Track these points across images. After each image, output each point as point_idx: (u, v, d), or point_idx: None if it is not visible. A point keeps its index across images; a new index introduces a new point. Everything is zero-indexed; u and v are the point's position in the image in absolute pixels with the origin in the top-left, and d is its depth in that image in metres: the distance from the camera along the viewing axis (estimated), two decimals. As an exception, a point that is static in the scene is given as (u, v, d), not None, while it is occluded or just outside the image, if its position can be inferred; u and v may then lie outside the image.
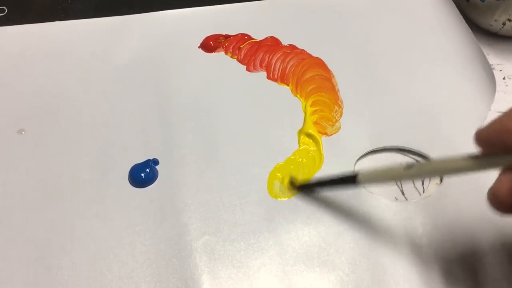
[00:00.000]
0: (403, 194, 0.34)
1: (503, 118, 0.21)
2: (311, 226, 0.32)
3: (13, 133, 0.35)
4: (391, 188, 0.34)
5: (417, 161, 0.35)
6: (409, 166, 0.26)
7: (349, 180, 0.29)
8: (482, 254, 0.31)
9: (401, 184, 0.34)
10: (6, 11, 0.42)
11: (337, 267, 0.31)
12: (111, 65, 0.39)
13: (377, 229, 0.32)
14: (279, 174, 0.35)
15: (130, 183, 0.34)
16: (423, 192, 0.34)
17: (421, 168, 0.26)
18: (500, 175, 0.22)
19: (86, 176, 0.34)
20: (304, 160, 0.35)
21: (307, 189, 0.34)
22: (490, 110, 0.37)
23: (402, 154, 0.36)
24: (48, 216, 0.32)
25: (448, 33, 0.42)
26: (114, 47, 0.40)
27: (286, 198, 0.33)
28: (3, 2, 0.42)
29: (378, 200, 0.33)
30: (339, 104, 0.38)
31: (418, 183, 0.34)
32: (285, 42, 0.41)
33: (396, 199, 0.34)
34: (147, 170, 0.34)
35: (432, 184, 0.34)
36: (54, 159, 0.34)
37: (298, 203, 0.33)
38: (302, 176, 0.34)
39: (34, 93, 0.37)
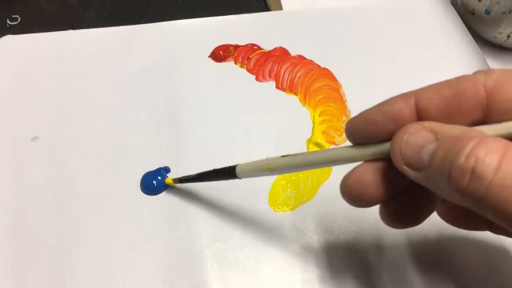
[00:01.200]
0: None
1: (370, 109, 0.22)
2: (320, 234, 0.33)
3: (27, 140, 0.36)
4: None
5: None
6: (283, 156, 0.26)
7: (229, 171, 0.29)
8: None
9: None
10: (19, 20, 0.43)
11: (350, 274, 0.31)
12: (122, 73, 0.39)
13: (383, 240, 0.33)
14: (283, 182, 0.35)
15: (142, 191, 0.34)
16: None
17: (293, 158, 0.25)
18: (357, 166, 0.22)
19: (98, 183, 0.34)
20: (313, 169, 0.36)
21: (188, 181, 0.34)
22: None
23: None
24: (61, 222, 0.33)
25: (453, 45, 0.42)
26: (126, 55, 0.40)
27: (286, 211, 0.34)
28: (16, 11, 0.43)
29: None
30: (347, 114, 0.38)
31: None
32: (293, 52, 0.42)
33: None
34: (159, 177, 0.35)
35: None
36: (67, 166, 0.35)
37: (308, 211, 0.34)
38: (310, 185, 0.35)
39: (47, 101, 0.38)
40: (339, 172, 0.35)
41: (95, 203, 0.34)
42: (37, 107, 0.37)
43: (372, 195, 0.21)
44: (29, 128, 0.36)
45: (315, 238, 0.33)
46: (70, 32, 0.41)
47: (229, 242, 0.32)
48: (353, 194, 0.22)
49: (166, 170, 0.35)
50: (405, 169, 0.19)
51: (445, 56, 0.42)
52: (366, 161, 0.22)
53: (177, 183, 0.34)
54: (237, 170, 0.29)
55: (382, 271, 0.31)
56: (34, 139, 0.36)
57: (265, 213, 0.34)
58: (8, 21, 0.42)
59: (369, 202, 0.22)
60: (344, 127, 0.37)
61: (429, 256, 0.32)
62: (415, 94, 0.21)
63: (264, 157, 0.27)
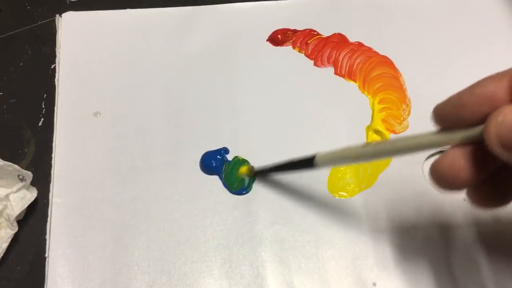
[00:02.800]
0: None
1: (461, 93, 0.21)
2: (381, 221, 0.33)
3: (90, 115, 0.36)
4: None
5: None
6: (366, 144, 0.25)
7: (307, 162, 0.29)
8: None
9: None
10: (79, -3, 0.43)
11: (406, 263, 0.31)
12: (182, 53, 0.39)
13: (446, 228, 0.32)
14: (342, 168, 0.35)
15: (201, 170, 0.34)
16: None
17: (378, 145, 0.25)
18: (448, 150, 0.22)
19: (159, 160, 0.35)
20: (372, 156, 0.35)
21: (264, 174, 0.34)
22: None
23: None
24: (123, 196, 0.33)
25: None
26: (185, 36, 0.40)
27: (345, 197, 0.34)
28: (76, -12, 0.43)
29: (446, 199, 0.33)
30: (406, 103, 0.38)
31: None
32: (351, 39, 0.41)
33: (465, 200, 0.34)
34: (218, 157, 0.35)
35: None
36: (128, 142, 0.35)
37: (368, 199, 0.33)
38: (370, 172, 0.35)
39: (109, 77, 0.38)
40: (399, 160, 0.35)
41: (155, 179, 0.34)
42: (99, 83, 0.38)
43: (465, 179, 0.21)
44: (91, 103, 0.37)
45: (374, 225, 0.32)
46: (130, 11, 0.41)
47: (289, 225, 0.32)
48: (447, 179, 0.21)
49: (226, 151, 0.35)
50: (500, 150, 0.19)
51: (509, 45, 0.40)
52: (454, 146, 0.22)
53: (252, 175, 0.34)
54: (317, 159, 0.29)
55: (452, 258, 0.31)
56: (96, 114, 0.36)
57: (324, 198, 0.34)
58: (68, -2, 0.43)
59: (462, 185, 0.21)
60: (403, 116, 0.37)
61: (498, 244, 0.31)
62: (508, 74, 0.20)
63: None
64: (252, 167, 0.34)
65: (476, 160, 0.21)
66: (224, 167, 0.34)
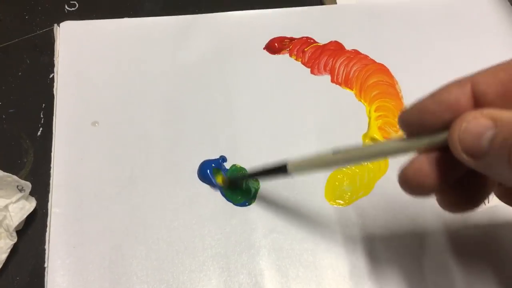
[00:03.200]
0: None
1: (424, 99, 0.21)
2: (379, 229, 0.33)
3: (88, 125, 0.36)
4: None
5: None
6: (336, 151, 0.26)
7: (280, 169, 0.29)
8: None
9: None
10: (77, 6, 0.43)
11: (403, 272, 0.31)
12: (179, 62, 0.40)
13: (445, 237, 0.33)
14: (339, 176, 0.35)
15: (199, 178, 0.35)
16: (488, 202, 0.34)
17: (348, 153, 0.25)
18: (414, 157, 0.22)
19: (157, 169, 0.35)
20: (369, 164, 0.35)
21: (238, 180, 0.34)
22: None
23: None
24: (122, 206, 0.33)
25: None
26: (182, 45, 0.41)
27: (342, 205, 0.34)
28: (74, -3, 0.43)
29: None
30: (403, 111, 0.38)
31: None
32: (348, 47, 0.41)
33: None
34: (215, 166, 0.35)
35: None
36: (126, 151, 0.35)
37: (366, 207, 0.34)
38: (367, 180, 0.35)
39: (107, 87, 0.38)
40: (396, 168, 0.35)
41: (154, 188, 0.34)
42: (97, 92, 0.38)
43: (430, 184, 0.21)
44: (90, 113, 0.37)
45: (371, 233, 0.33)
46: (127, 20, 0.42)
47: (286, 233, 0.33)
48: (412, 184, 0.22)
49: (223, 159, 0.35)
50: (465, 157, 0.19)
51: (504, 50, 0.41)
52: (420, 152, 0.22)
53: (227, 183, 0.34)
54: (289, 167, 0.29)
55: (448, 266, 0.31)
56: (94, 123, 0.36)
57: (321, 206, 0.34)
58: (66, 7, 0.43)
59: (428, 191, 0.22)
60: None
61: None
62: (471, 80, 0.21)
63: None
64: (226, 177, 0.34)
65: (441, 166, 0.21)
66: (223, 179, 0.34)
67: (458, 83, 0.21)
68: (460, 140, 0.19)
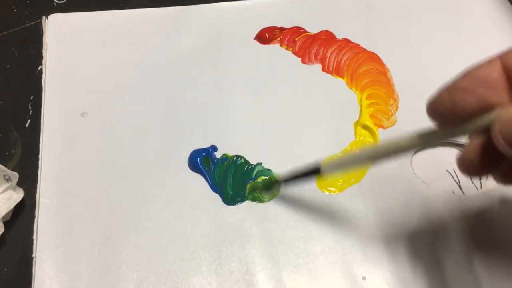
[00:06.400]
0: (460, 188, 0.34)
1: (455, 79, 0.22)
2: (370, 216, 0.33)
3: (76, 116, 0.36)
4: (449, 183, 0.34)
5: None
6: (374, 146, 0.26)
7: (314, 171, 0.29)
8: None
9: (458, 179, 0.34)
10: (65, -1, 0.43)
11: (395, 257, 0.31)
12: (169, 53, 0.39)
13: (434, 222, 0.32)
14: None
15: (189, 168, 0.34)
16: (481, 187, 0.34)
17: (381, 148, 0.25)
18: (468, 142, 0.22)
19: (146, 159, 0.34)
20: (361, 151, 0.35)
21: (277, 187, 0.33)
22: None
23: (457, 148, 0.36)
24: (111, 196, 0.33)
25: (504, 31, 0.41)
26: (172, 36, 0.40)
27: (334, 192, 0.34)
28: (63, -10, 0.43)
29: (435, 193, 0.33)
30: (394, 98, 0.38)
31: (476, 179, 0.34)
32: (339, 36, 0.41)
33: (453, 193, 0.34)
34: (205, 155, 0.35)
35: (490, 180, 0.34)
36: (115, 142, 0.35)
37: (357, 194, 0.33)
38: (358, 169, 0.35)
39: (95, 78, 0.38)
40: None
41: (143, 178, 0.34)
42: (85, 83, 0.38)
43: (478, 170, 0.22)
44: (78, 104, 0.37)
45: (363, 220, 0.32)
46: (116, 12, 0.41)
47: (278, 222, 0.32)
48: (476, 166, 0.22)
49: (214, 148, 0.35)
50: (507, 149, 0.20)
51: (496, 43, 0.41)
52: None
53: (261, 190, 0.34)
54: (322, 168, 0.29)
55: (439, 251, 0.31)
56: (83, 114, 0.36)
57: (313, 194, 0.33)
58: (55, 0, 0.42)
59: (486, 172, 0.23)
60: (391, 111, 0.37)
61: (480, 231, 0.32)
62: (500, 56, 0.21)
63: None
64: (260, 186, 0.34)
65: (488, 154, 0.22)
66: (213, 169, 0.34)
67: (487, 61, 0.21)
68: (501, 133, 0.20)
